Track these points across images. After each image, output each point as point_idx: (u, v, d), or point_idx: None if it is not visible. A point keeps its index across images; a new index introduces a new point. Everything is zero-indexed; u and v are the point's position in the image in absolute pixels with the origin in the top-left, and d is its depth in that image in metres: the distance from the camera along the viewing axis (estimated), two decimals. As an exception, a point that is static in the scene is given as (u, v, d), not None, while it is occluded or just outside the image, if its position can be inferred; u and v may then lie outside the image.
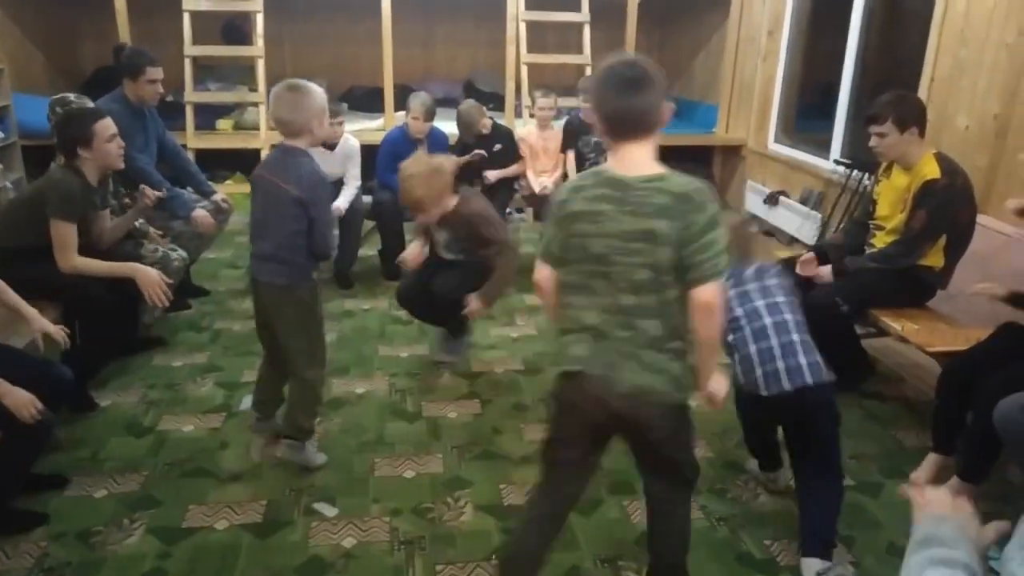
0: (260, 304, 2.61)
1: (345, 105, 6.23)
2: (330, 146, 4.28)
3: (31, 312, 2.46)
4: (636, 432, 1.75)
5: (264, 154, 5.43)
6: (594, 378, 1.68)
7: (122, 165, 3.07)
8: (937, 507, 1.13)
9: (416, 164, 3.02)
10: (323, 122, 2.45)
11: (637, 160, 1.65)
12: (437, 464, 2.68)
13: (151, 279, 2.93)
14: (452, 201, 3.06)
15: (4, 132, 5.08)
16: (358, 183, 4.43)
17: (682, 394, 1.70)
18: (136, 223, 3.46)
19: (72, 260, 2.83)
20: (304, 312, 2.52)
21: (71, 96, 3.68)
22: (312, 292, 2.55)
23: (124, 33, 5.35)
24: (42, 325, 2.47)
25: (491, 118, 4.76)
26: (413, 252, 3.38)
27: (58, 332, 2.48)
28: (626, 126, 1.65)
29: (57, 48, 6.32)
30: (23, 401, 2.10)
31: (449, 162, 3.09)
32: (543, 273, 1.79)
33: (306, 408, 2.62)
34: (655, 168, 1.65)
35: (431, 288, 3.22)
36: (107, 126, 2.93)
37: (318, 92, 2.41)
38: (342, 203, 4.29)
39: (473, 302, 3.11)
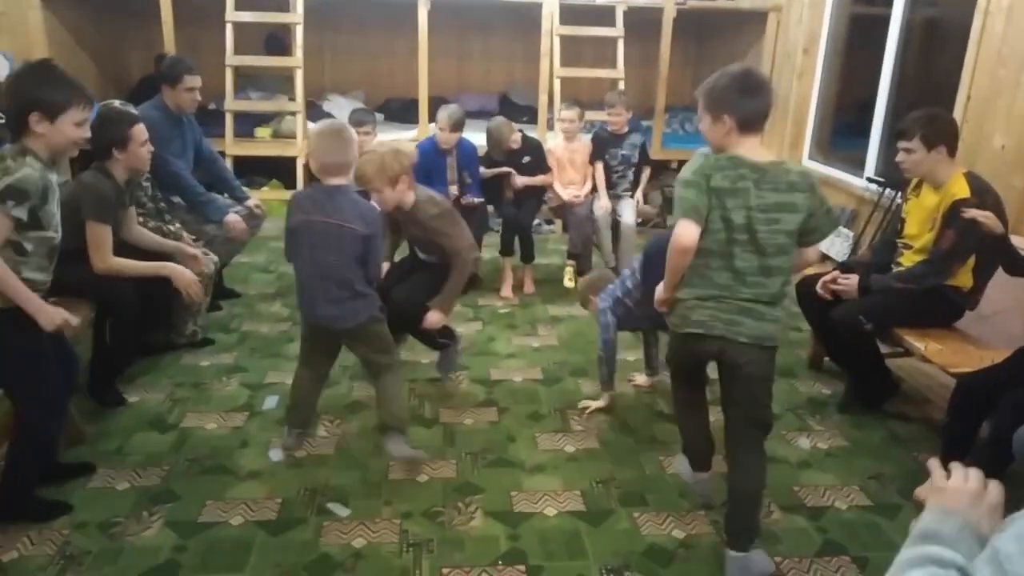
0: (328, 339, 2.70)
1: (380, 116, 6.35)
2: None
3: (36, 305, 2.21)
4: (740, 370, 2.11)
5: (300, 163, 5.56)
6: (715, 338, 2.09)
7: (147, 168, 3.16)
8: (952, 499, 1.02)
9: (380, 144, 3.06)
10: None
11: (759, 149, 2.06)
12: (450, 469, 2.71)
13: (186, 278, 3.03)
14: (409, 197, 2.98)
15: (53, 136, 5.26)
16: None
17: (779, 338, 2.14)
18: (173, 227, 3.57)
19: (108, 260, 2.91)
20: (384, 329, 2.69)
21: (117, 103, 3.80)
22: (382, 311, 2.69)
23: (169, 43, 5.53)
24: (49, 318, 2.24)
25: (521, 131, 4.80)
26: None
27: (60, 316, 2.26)
28: (754, 123, 2.04)
29: (107, 57, 6.55)
30: (55, 314, 2.20)
31: (408, 157, 2.97)
32: (693, 234, 2.03)
33: (400, 398, 2.78)
34: (771, 154, 2.09)
35: (390, 298, 3.11)
36: (141, 131, 3.02)
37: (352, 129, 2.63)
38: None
39: (431, 314, 3.10)
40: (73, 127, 2.23)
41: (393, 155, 2.88)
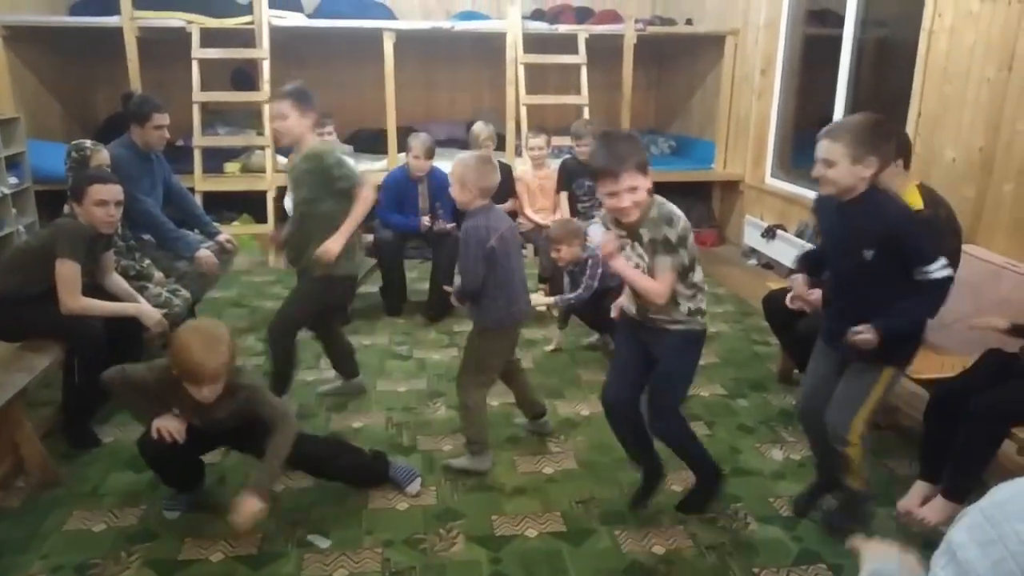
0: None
1: (350, 147, 6.39)
2: None
3: None
4: None
5: (271, 196, 5.57)
6: None
7: (108, 231, 3.09)
8: (883, 553, 1.16)
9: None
10: None
11: None
12: (430, 496, 2.72)
13: (153, 318, 3.04)
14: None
15: (19, 178, 5.23)
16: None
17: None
18: (142, 265, 3.57)
19: (78, 300, 2.91)
20: None
21: (88, 143, 3.80)
22: None
23: (135, 81, 5.54)
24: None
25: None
26: None
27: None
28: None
29: (72, 96, 6.53)
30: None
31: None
32: None
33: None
34: None
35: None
36: (98, 190, 2.97)
37: None
38: None
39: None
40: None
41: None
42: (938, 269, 2.16)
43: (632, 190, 2.17)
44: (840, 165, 2.16)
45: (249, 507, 2.28)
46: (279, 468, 2.42)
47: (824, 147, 2.20)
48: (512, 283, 2.76)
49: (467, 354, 2.87)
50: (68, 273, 2.88)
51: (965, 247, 3.11)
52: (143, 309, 3.08)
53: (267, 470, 2.35)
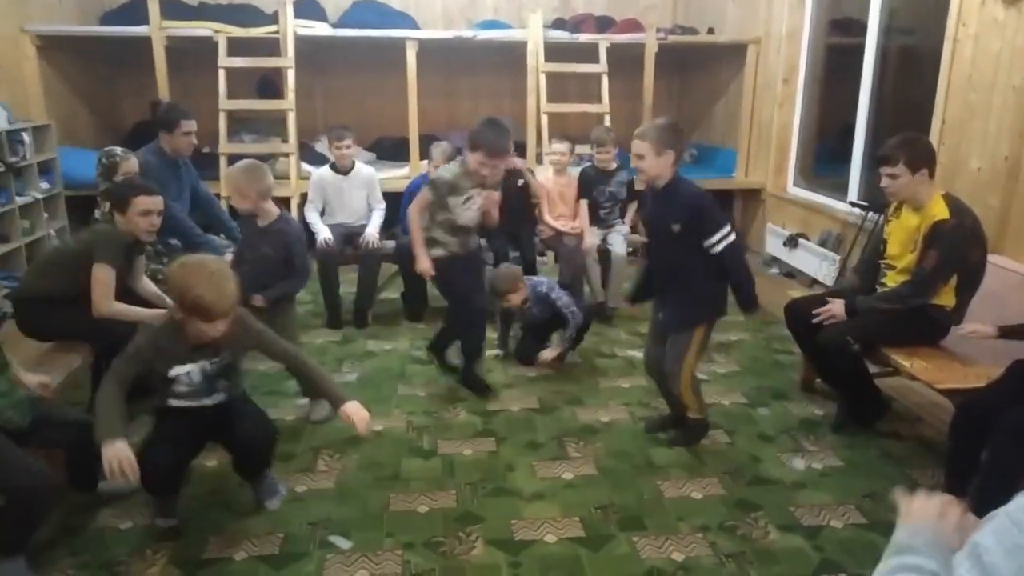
0: None
1: (372, 155, 6.45)
2: (343, 170, 4.51)
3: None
4: None
5: (295, 202, 5.64)
6: None
7: (150, 239, 3.16)
8: (920, 517, 1.10)
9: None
10: None
11: None
12: (450, 500, 2.73)
13: None
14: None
15: (50, 183, 5.34)
16: (383, 206, 4.70)
17: None
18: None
19: (110, 305, 2.95)
20: None
21: (118, 150, 3.87)
22: None
23: (163, 89, 5.65)
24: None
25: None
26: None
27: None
28: None
29: (102, 104, 6.67)
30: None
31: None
32: None
33: None
34: None
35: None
36: (146, 202, 3.03)
37: None
38: (372, 230, 4.51)
39: None
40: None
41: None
42: (718, 241, 2.79)
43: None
44: (648, 158, 2.79)
45: (360, 411, 2.43)
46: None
47: (635, 145, 2.83)
48: None
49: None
50: (104, 278, 2.93)
51: (990, 257, 3.08)
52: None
53: (334, 386, 2.55)
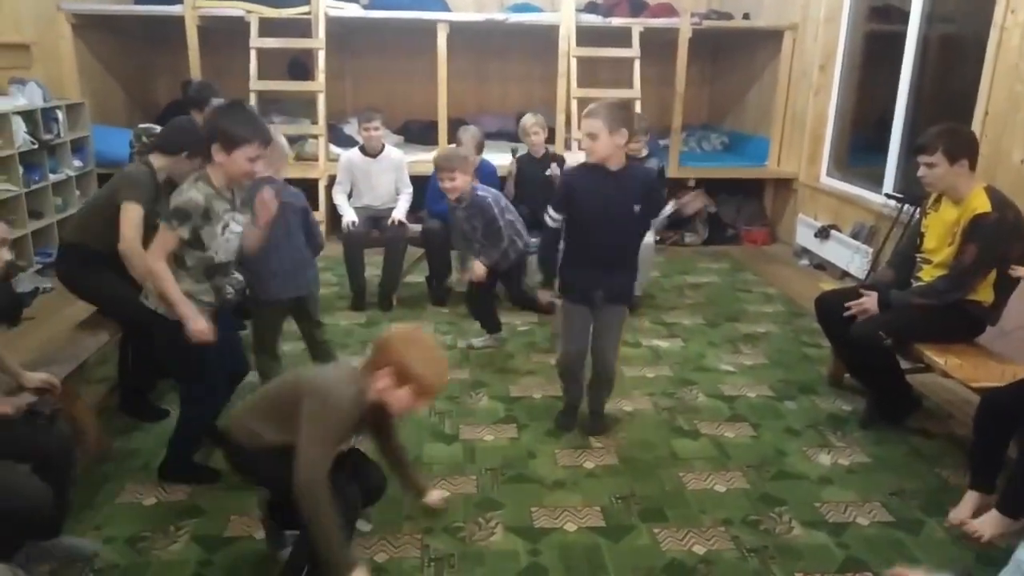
0: None
1: (400, 138, 6.44)
2: (372, 153, 4.49)
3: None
4: None
5: (323, 184, 5.65)
6: None
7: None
8: None
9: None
10: None
11: None
12: (471, 485, 2.73)
13: (199, 331, 2.50)
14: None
15: (82, 161, 5.41)
16: (411, 190, 4.66)
17: None
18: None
19: (154, 260, 2.42)
20: None
21: (156, 128, 3.88)
22: None
23: (195, 69, 5.68)
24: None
25: (547, 148, 4.89)
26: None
27: (205, 331, 2.46)
28: None
29: (135, 83, 6.73)
30: (202, 327, 2.44)
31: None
32: None
33: None
34: None
35: None
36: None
37: None
38: (399, 214, 4.50)
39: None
40: (246, 161, 2.42)
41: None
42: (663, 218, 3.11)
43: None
44: (601, 137, 2.70)
45: (438, 495, 2.35)
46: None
47: (587, 124, 2.74)
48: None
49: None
50: (132, 215, 2.80)
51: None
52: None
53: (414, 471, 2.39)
